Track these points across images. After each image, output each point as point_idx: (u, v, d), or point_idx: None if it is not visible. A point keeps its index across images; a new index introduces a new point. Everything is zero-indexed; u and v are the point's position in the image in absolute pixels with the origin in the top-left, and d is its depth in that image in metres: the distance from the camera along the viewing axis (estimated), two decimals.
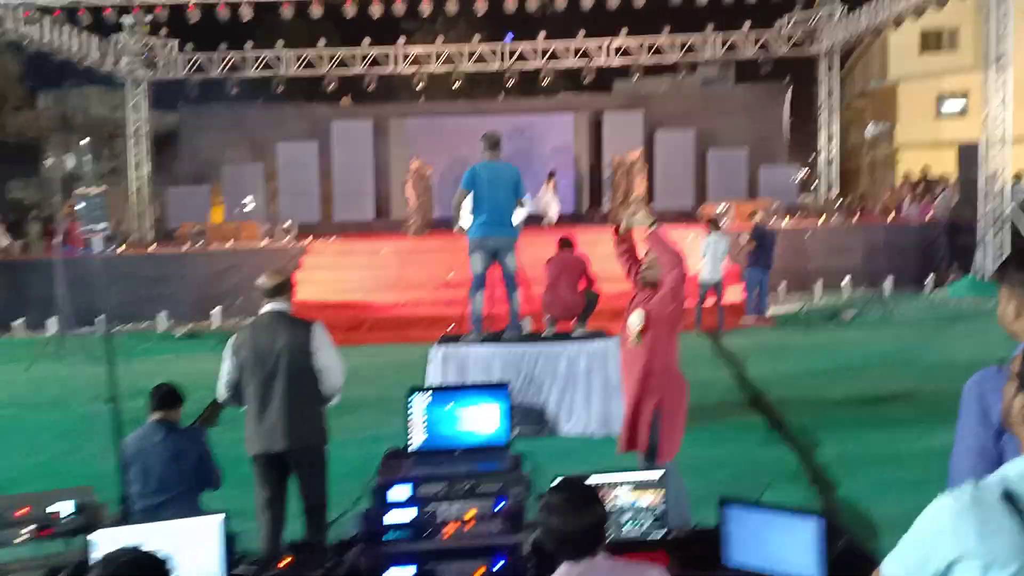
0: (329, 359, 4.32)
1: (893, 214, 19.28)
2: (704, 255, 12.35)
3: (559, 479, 2.49)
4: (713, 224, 12.92)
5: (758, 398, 8.36)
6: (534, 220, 18.84)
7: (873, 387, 8.66)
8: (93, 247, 4.13)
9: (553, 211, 19.27)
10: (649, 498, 3.12)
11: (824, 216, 18.41)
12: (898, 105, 30.37)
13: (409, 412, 3.38)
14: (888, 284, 15.16)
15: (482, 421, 3.40)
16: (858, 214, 19.87)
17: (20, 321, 14.70)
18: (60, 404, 9.28)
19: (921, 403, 7.86)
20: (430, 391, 3.38)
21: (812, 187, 24.05)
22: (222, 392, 4.41)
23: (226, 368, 4.36)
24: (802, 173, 23.45)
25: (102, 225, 3.96)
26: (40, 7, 16.59)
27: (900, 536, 1.71)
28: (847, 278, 15.70)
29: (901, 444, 6.63)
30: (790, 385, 8.90)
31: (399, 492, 3.00)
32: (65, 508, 3.49)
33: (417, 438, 3.39)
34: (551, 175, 19.74)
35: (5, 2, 15.68)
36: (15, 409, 9.35)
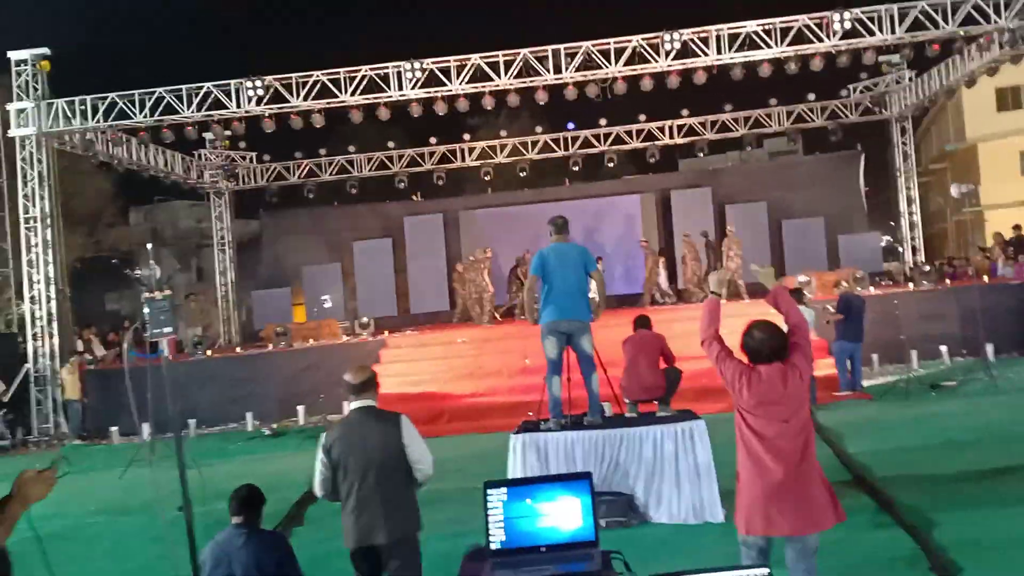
0: (419, 451, 4.38)
1: (987, 276, 18.37)
2: None
3: None
4: (796, 295, 12.50)
5: (863, 477, 7.82)
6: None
7: (987, 461, 8.01)
8: (160, 351, 4.22)
9: (664, 286, 19.41)
10: None
11: (913, 282, 17.67)
12: (980, 165, 29.46)
13: (487, 508, 3.20)
14: (990, 350, 14.30)
15: (564, 516, 3.19)
16: (950, 278, 19.02)
17: (116, 428, 15.15)
18: (150, 510, 9.32)
19: None
20: (506, 486, 3.20)
21: (897, 253, 23.25)
22: (318, 490, 4.47)
23: (320, 467, 4.41)
24: (885, 240, 22.73)
25: (168, 329, 4.06)
26: (126, 129, 17.72)
27: None
28: (944, 346, 14.92)
29: None
30: (896, 461, 8.32)
31: None
32: None
33: (496, 536, 3.20)
34: (660, 252, 19.97)
35: (95, 126, 16.86)
36: (107, 516, 9.44)
